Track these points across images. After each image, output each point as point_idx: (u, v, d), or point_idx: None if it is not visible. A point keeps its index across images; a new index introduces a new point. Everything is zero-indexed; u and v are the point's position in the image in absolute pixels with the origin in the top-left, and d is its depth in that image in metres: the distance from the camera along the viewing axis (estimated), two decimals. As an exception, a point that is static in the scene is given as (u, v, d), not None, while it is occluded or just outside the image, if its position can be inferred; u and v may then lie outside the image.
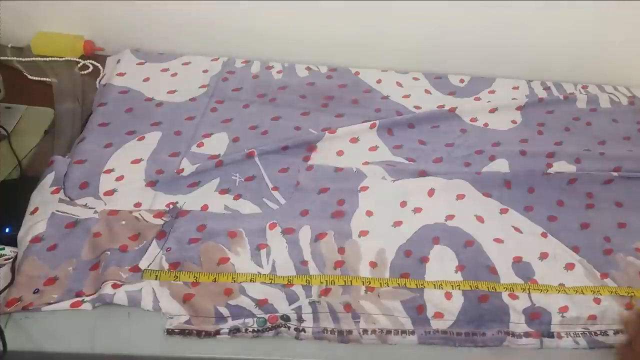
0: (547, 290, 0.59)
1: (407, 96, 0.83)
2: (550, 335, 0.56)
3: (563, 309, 0.57)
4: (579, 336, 0.56)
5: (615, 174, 0.73)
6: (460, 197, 0.68)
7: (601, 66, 0.90)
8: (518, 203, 0.68)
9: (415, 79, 0.86)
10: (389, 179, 0.69)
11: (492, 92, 0.85)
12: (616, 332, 0.56)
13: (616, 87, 0.90)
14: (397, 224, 0.64)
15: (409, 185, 0.69)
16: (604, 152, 0.77)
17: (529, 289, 0.59)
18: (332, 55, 0.87)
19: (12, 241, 0.57)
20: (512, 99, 0.84)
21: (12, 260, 0.55)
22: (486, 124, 0.80)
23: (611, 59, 0.90)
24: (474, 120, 0.80)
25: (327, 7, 0.82)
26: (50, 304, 0.53)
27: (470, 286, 0.58)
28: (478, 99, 0.84)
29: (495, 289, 0.58)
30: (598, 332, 0.56)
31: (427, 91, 0.84)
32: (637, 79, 0.91)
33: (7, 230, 0.58)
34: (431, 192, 0.67)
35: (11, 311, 0.52)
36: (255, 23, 0.84)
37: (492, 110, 0.81)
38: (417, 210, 0.66)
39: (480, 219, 0.66)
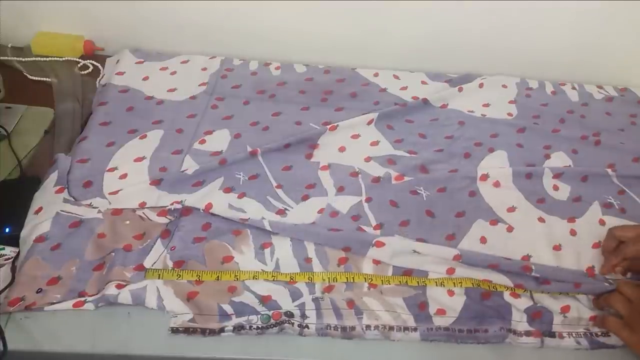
0: (549, 291, 0.59)
1: (405, 88, 0.83)
2: (552, 334, 0.56)
3: (565, 309, 0.57)
4: (581, 336, 0.56)
5: (611, 172, 0.73)
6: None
7: (601, 67, 0.90)
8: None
9: (411, 70, 0.88)
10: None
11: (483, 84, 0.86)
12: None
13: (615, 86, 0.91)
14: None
15: (428, 262, 0.60)
16: (600, 143, 0.78)
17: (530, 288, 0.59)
18: (331, 57, 0.88)
19: (12, 241, 0.57)
20: (502, 85, 0.86)
21: (12, 260, 0.55)
22: (484, 115, 0.80)
23: (611, 60, 0.90)
24: (471, 111, 0.81)
25: (326, 9, 0.82)
26: (52, 303, 0.52)
27: (472, 284, 0.58)
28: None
29: (497, 288, 0.58)
30: (599, 333, 0.56)
31: (423, 82, 0.85)
32: (637, 80, 0.91)
33: (7, 230, 0.58)
34: (451, 270, 0.59)
35: (14, 310, 0.51)
36: (254, 24, 0.85)
37: (486, 105, 0.82)
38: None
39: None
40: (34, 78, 0.79)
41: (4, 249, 0.56)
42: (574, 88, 0.88)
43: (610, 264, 0.60)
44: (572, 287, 0.59)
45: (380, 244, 0.60)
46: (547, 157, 0.75)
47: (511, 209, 0.67)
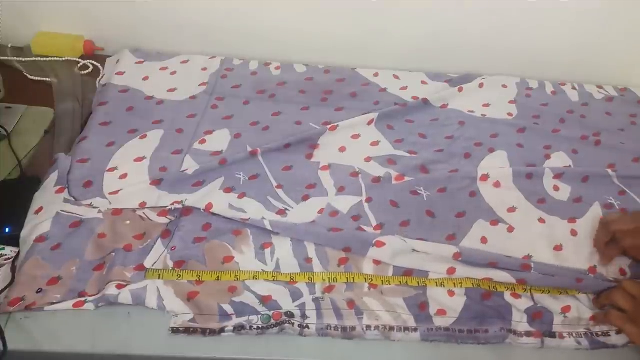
0: (549, 291, 0.59)
1: (405, 88, 0.83)
2: (552, 335, 0.56)
3: (565, 309, 0.57)
4: (581, 337, 0.56)
5: (611, 172, 0.73)
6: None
7: (601, 67, 0.90)
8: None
9: (411, 70, 0.88)
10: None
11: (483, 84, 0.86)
12: (618, 332, 0.56)
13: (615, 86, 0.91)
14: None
15: (428, 262, 0.60)
16: (600, 143, 0.78)
17: (530, 289, 0.59)
18: (331, 57, 0.88)
19: (12, 241, 0.57)
20: (502, 85, 0.86)
21: (12, 260, 0.55)
22: (484, 115, 0.81)
23: (611, 60, 0.90)
24: (471, 111, 0.81)
25: (326, 9, 0.82)
26: (53, 303, 0.52)
27: (472, 284, 0.58)
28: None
29: (497, 288, 0.58)
30: (600, 333, 0.56)
31: (423, 82, 0.85)
32: (637, 80, 0.92)
33: (7, 230, 0.58)
34: (452, 270, 0.59)
35: (14, 310, 0.51)
36: (254, 24, 0.85)
37: (486, 105, 0.82)
38: None
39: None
40: (34, 78, 0.79)
41: (4, 249, 0.56)
42: (574, 88, 0.89)
43: (608, 255, 0.61)
44: (574, 281, 0.59)
45: (380, 244, 0.60)
46: (548, 157, 0.75)
47: (512, 210, 0.67)
